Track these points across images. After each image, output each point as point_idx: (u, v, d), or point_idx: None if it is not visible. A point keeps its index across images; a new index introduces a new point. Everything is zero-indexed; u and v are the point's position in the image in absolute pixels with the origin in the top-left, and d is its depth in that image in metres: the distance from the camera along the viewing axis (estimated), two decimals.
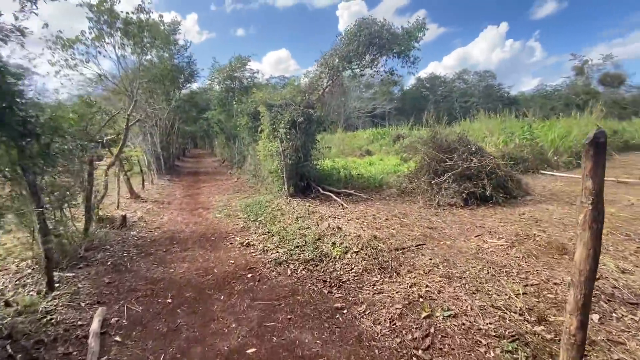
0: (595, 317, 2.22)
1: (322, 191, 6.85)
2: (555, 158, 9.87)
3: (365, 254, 3.41)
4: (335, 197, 6.39)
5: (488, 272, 2.96)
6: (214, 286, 3.14)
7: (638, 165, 10.03)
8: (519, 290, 2.61)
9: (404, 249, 3.61)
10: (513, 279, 2.82)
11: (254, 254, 3.90)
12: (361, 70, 6.92)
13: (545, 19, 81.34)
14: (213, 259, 3.86)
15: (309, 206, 5.88)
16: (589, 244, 1.41)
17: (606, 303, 2.37)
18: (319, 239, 4.04)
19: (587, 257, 1.42)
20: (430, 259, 3.32)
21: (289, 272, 3.31)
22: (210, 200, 7.74)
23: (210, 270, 3.54)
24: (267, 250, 3.98)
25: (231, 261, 3.75)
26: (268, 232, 4.67)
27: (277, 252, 3.87)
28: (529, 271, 2.95)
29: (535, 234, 3.85)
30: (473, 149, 6.03)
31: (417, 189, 6.29)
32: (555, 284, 2.69)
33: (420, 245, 3.72)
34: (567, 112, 24.92)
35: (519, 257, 3.23)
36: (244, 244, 4.28)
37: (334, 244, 3.81)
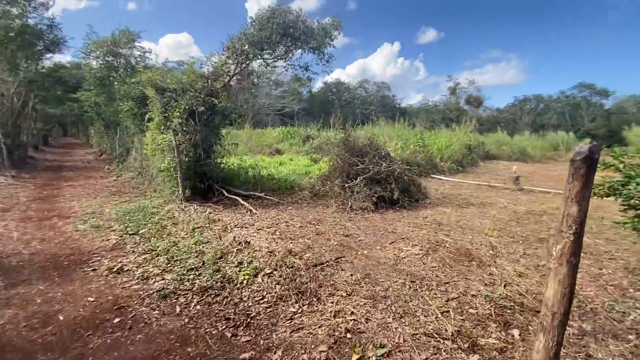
0: (515, 332, 2.18)
1: (227, 194, 5.98)
2: (442, 164, 11.26)
3: (280, 276, 2.85)
4: (242, 202, 5.62)
5: (410, 287, 2.77)
6: (54, 346, 2.08)
7: (498, 171, 12.31)
8: (443, 307, 2.46)
9: (323, 264, 3.19)
10: (435, 294, 2.68)
11: (127, 285, 2.87)
12: (274, 61, 6.32)
13: (427, 44, 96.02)
14: (60, 298, 2.67)
15: (210, 213, 4.97)
16: (565, 282, 1.17)
17: (521, 314, 2.39)
18: (221, 258, 3.28)
19: (562, 297, 1.18)
20: (351, 275, 2.98)
21: (178, 309, 2.47)
22: (72, 206, 5.92)
23: (52, 317, 2.40)
24: (147, 277, 2.99)
25: (90, 299, 2.65)
26: (152, 250, 3.62)
27: (163, 278, 2.93)
28: (447, 282, 2.88)
29: (443, 240, 3.96)
30: (383, 154, 6.15)
31: (330, 192, 6.05)
32: (473, 296, 2.65)
33: (339, 258, 3.36)
34: (444, 124, 29.48)
35: (435, 267, 3.18)
36: (114, 269, 3.15)
37: (240, 263, 3.11)
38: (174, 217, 4.86)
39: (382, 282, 2.87)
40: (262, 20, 5.85)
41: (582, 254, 3.79)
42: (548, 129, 38.42)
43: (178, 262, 3.26)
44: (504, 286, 2.81)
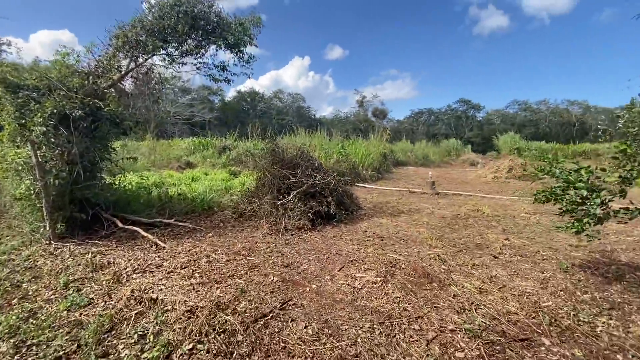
0: None
1: (121, 224, 4.57)
2: (364, 172, 11.48)
3: (208, 351, 1.96)
4: (144, 233, 4.33)
5: (381, 332, 2.23)
6: None
7: (410, 176, 13.23)
8: (426, 355, 1.97)
9: (266, 315, 2.41)
10: (411, 336, 2.20)
11: None
12: (181, 57, 5.20)
13: (335, 60, 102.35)
14: None
15: (95, 256, 3.61)
16: None
17: (511, 350, 2.06)
18: (110, 331, 2.19)
19: None
20: (306, 327, 2.29)
21: None
22: None
23: None
24: None
25: None
26: None
27: None
28: (419, 316, 2.44)
29: (396, 260, 3.59)
30: (316, 165, 5.64)
31: (259, 211, 5.22)
32: (452, 331, 2.25)
33: (285, 303, 2.62)
34: (356, 134, 31.09)
35: (399, 298, 2.72)
36: None
37: (142, 337, 2.09)
38: (35, 266, 3.36)
39: (347, 330, 2.25)
40: (163, 6, 4.74)
41: (518, 256, 3.90)
42: (439, 137, 44.42)
43: (34, 348, 2.05)
44: (476, 310, 2.51)
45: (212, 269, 3.29)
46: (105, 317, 2.32)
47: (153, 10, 4.86)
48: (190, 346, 1.99)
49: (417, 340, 2.15)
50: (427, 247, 4.06)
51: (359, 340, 2.14)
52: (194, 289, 2.76)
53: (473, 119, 57.90)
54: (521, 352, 2.03)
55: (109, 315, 2.33)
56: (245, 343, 2.05)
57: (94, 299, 2.63)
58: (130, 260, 3.51)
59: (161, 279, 2.98)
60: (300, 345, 2.08)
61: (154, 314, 2.34)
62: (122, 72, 4.91)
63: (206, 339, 2.06)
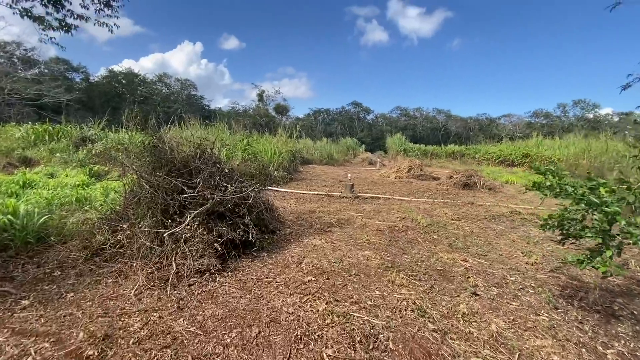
0: None
1: None
2: (275, 173, 10.08)
3: None
4: None
5: None
6: None
7: (320, 176, 12.50)
8: None
9: None
10: None
11: None
12: None
13: (231, 50, 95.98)
14: None
15: None
16: None
17: None
18: None
19: None
20: None
21: None
22: None
23: None
24: None
25: None
26: None
27: None
28: None
29: (370, 328, 2.37)
30: (225, 170, 3.95)
31: (130, 246, 3.25)
32: None
33: None
34: (257, 130, 29.38)
35: None
36: None
37: None
38: None
39: None
40: None
41: (494, 288, 3.14)
42: (335, 136, 46.44)
43: None
44: None
45: None
46: None
47: None
48: None
49: None
50: (390, 286, 3.01)
51: None
52: None
53: (364, 121, 63.15)
54: None
55: None
56: None
57: None
58: None
59: None
60: None
61: None
62: None
63: None
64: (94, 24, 3.61)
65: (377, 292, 2.88)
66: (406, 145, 29.52)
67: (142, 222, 3.33)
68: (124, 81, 43.91)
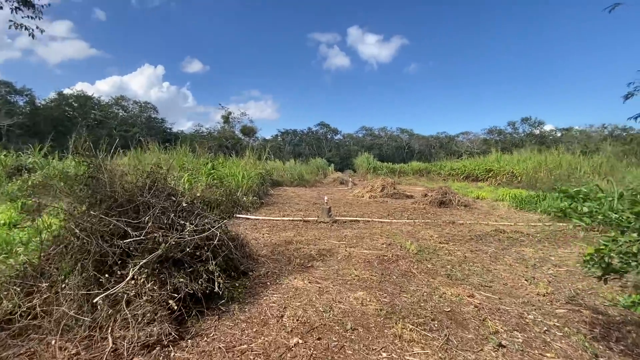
0: None
1: None
2: (245, 198, 9.27)
3: None
4: None
5: None
6: None
7: (292, 199, 11.83)
8: None
9: None
10: None
11: None
12: None
13: (194, 74, 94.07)
14: None
15: None
16: None
17: None
18: None
19: None
20: None
21: None
22: None
23: None
24: None
25: None
26: None
27: None
28: None
29: None
30: (184, 203, 3.20)
31: (51, 314, 2.38)
32: None
33: None
34: (222, 152, 28.32)
35: None
36: None
37: None
38: None
39: None
40: None
41: (516, 332, 2.43)
42: (304, 156, 46.23)
43: None
44: None
45: None
46: None
47: None
48: None
49: None
50: (398, 343, 2.41)
51: None
52: None
53: (331, 141, 63.91)
54: None
55: None
56: None
57: None
58: None
59: None
60: None
61: None
62: None
63: None
64: (9, 27, 2.85)
65: (385, 355, 2.26)
66: (374, 164, 29.84)
67: (67, 280, 2.48)
68: (75, 104, 40.82)
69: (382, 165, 28.67)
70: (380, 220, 7.75)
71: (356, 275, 3.86)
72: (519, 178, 19.41)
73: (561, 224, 7.16)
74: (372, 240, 5.64)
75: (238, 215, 7.90)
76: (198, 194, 7.66)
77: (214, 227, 3.10)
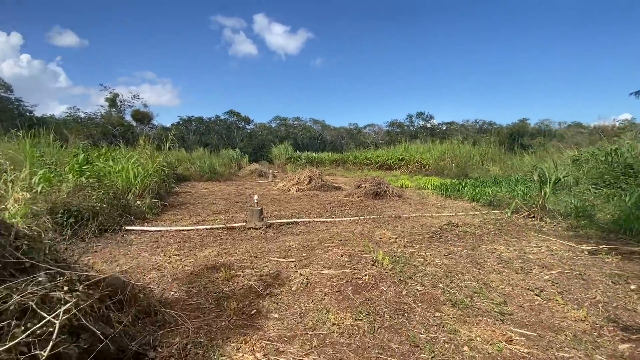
0: None
1: None
2: (139, 202, 6.82)
3: None
4: None
5: None
6: None
7: (208, 198, 9.64)
8: None
9: None
10: None
11: None
12: None
13: (68, 48, 75.11)
14: None
15: None
16: None
17: None
18: None
19: None
20: None
21: None
22: None
23: None
24: None
25: None
26: None
27: None
28: None
29: None
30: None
31: None
32: None
33: None
34: (108, 141, 23.23)
35: None
36: None
37: None
38: None
39: None
40: None
41: None
42: (213, 147, 42.12)
43: None
44: None
45: None
46: None
47: None
48: None
49: None
50: None
51: None
52: None
53: (244, 130, 60.32)
54: None
55: None
56: None
57: None
58: None
59: None
60: None
61: None
62: None
63: None
64: None
65: None
66: (292, 154, 28.72)
67: None
68: None
69: (300, 155, 27.74)
70: (322, 220, 6.55)
71: (334, 324, 2.51)
72: (427, 166, 20.98)
73: (495, 211, 7.23)
74: (326, 252, 4.36)
75: (129, 228, 5.60)
76: (62, 199, 5.07)
77: (61, 292, 1.30)
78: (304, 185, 12.22)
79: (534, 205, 6.39)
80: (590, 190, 7.90)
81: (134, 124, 42.54)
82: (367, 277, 3.37)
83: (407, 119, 66.23)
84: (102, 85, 42.77)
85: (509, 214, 6.59)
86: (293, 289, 3.21)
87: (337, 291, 3.11)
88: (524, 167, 14.19)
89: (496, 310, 2.72)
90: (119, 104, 43.42)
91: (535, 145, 26.24)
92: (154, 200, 7.42)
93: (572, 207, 6.13)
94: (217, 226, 5.86)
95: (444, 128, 65.19)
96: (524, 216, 6.35)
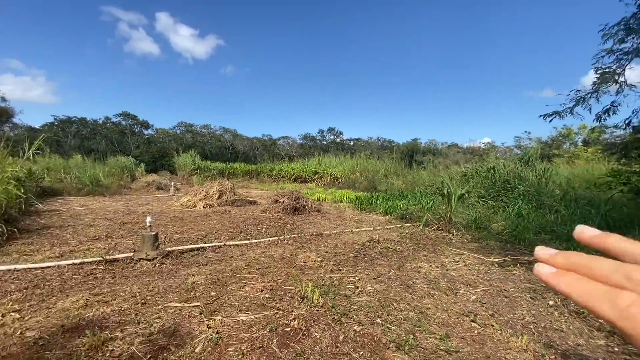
0: None
1: None
2: None
3: None
4: None
5: None
6: None
7: (84, 218, 7.53)
8: None
9: None
10: None
11: None
12: None
13: None
14: None
15: None
16: None
17: None
18: None
19: None
20: None
21: None
22: None
23: None
24: None
25: None
26: None
27: None
28: None
29: None
30: None
31: None
32: None
33: None
34: None
35: None
36: None
37: None
38: None
39: None
40: None
41: None
42: (100, 153, 35.65)
43: None
44: None
45: None
46: None
47: None
48: None
49: None
50: None
51: None
52: None
53: (140, 136, 53.12)
54: None
55: None
56: None
57: None
58: None
59: None
60: None
61: None
62: None
63: None
64: None
65: None
66: (200, 164, 26.25)
67: None
68: None
69: (209, 166, 25.53)
70: (236, 243, 5.65)
71: None
72: (340, 180, 21.71)
73: (408, 224, 7.53)
74: (242, 286, 3.57)
75: None
76: None
77: None
78: (214, 200, 10.92)
79: (441, 218, 6.81)
80: (479, 203, 9.03)
81: None
82: (295, 321, 2.74)
83: (319, 133, 68.92)
84: None
85: (421, 227, 6.88)
86: (197, 350, 2.35)
87: (259, 347, 2.39)
88: (422, 181, 15.84)
89: (442, 347, 2.43)
90: None
91: (427, 162, 30.16)
92: None
93: (472, 220, 6.74)
94: (89, 260, 4.38)
95: (352, 143, 70.21)
96: (434, 229, 6.70)
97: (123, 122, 52.17)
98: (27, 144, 9.23)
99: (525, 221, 6.52)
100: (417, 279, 3.92)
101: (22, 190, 8.14)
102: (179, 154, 29.83)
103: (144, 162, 36.19)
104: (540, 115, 7.48)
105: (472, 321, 2.85)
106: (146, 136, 53.13)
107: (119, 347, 2.38)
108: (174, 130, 56.91)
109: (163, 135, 54.80)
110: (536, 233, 5.90)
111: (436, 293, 3.48)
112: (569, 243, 5.33)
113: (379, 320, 2.84)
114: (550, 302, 3.20)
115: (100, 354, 2.30)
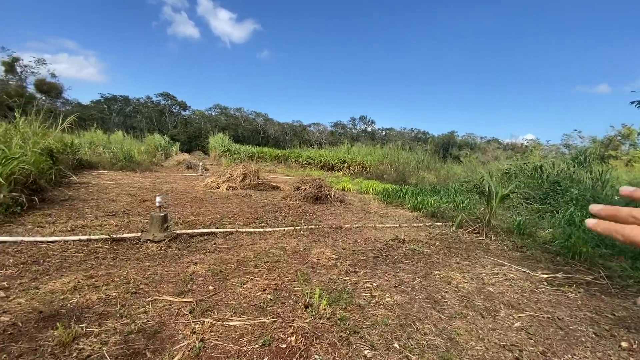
0: None
1: None
2: None
3: None
4: None
5: None
6: None
7: (110, 192, 7.62)
8: None
9: None
10: None
11: None
12: None
13: None
14: None
15: None
16: None
17: None
18: None
19: None
20: None
21: None
22: None
23: None
24: None
25: None
26: None
27: None
28: None
29: None
30: None
31: None
32: None
33: None
34: (2, 114, 18.76)
35: None
36: None
37: None
38: None
39: None
40: None
41: None
42: (139, 131, 37.20)
43: None
44: None
45: None
46: None
47: None
48: None
49: None
50: None
51: None
52: None
53: (178, 116, 55.02)
54: None
55: None
56: None
57: None
58: None
59: None
60: None
61: None
62: None
63: None
64: None
65: None
66: (230, 146, 26.46)
67: None
68: None
69: (239, 148, 25.65)
70: (249, 229, 5.32)
71: None
72: (368, 169, 20.91)
73: (438, 223, 6.81)
74: (244, 282, 3.18)
75: None
76: None
77: None
78: (237, 182, 10.75)
79: (478, 220, 6.03)
80: (522, 205, 8.03)
81: (39, 95, 35.52)
82: (294, 336, 2.28)
83: (350, 121, 67.51)
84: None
85: (454, 228, 6.15)
86: None
87: None
88: (456, 177, 14.71)
89: None
90: (18, 70, 35.92)
91: (463, 156, 28.34)
92: (16, 195, 5.35)
93: (515, 224, 5.90)
94: (96, 237, 4.23)
95: (384, 133, 68.12)
96: (469, 231, 5.95)
97: (163, 102, 54.20)
98: (63, 119, 9.51)
99: (580, 231, 5.57)
100: (446, 292, 3.32)
101: (54, 162, 8.38)
102: (212, 135, 30.39)
103: (180, 141, 37.41)
104: (632, 102, 6.57)
105: (517, 359, 2.24)
106: (184, 116, 54.94)
107: (89, 346, 2.08)
108: (210, 112, 58.33)
109: (199, 117, 56.37)
110: (594, 246, 4.98)
111: (470, 313, 2.87)
112: (636, 262, 4.42)
113: (396, 344, 2.32)
114: (624, 344, 2.48)
115: (67, 353, 2.00)
